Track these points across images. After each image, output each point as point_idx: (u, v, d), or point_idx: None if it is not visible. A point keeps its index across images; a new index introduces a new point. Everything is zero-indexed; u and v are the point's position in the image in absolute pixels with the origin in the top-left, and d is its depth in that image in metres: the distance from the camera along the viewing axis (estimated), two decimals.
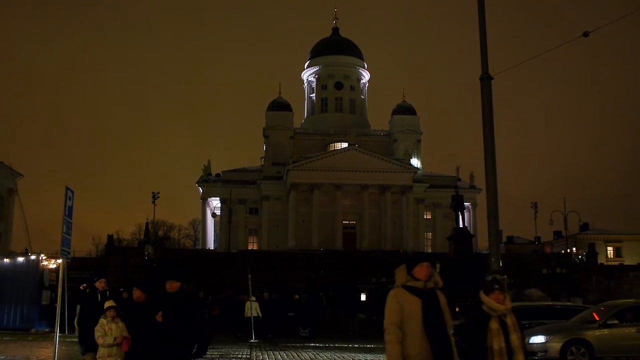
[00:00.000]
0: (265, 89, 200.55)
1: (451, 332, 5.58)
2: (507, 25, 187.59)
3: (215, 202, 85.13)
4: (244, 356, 16.90)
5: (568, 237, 67.80)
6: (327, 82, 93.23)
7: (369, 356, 17.36)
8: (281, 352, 18.09)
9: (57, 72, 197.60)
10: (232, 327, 25.09)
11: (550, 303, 23.93)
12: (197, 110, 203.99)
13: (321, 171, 77.82)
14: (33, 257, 25.35)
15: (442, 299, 5.63)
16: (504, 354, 5.70)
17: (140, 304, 8.75)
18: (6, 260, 25.82)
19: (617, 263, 70.03)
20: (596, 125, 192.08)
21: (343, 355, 17.50)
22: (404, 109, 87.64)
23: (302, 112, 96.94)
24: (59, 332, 11.21)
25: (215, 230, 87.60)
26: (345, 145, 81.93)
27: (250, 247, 78.30)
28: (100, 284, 10.72)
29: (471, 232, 51.19)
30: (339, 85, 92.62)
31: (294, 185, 78.24)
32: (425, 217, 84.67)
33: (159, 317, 7.50)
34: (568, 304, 24.81)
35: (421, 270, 5.60)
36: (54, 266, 24.59)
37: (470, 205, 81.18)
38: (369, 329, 28.29)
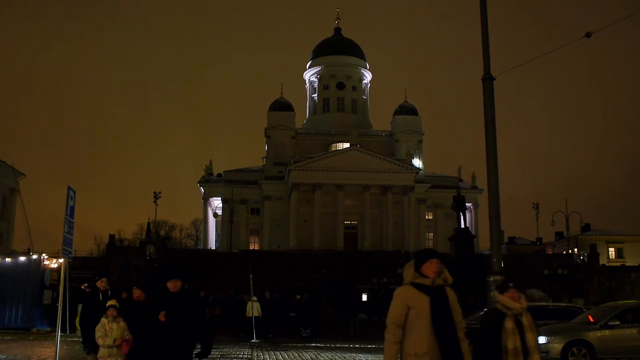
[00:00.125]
0: (267, 89, 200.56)
1: (463, 329, 5.37)
2: (509, 26, 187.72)
3: (216, 202, 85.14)
4: (245, 356, 16.89)
5: (570, 238, 67.78)
6: (329, 82, 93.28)
7: (369, 356, 17.35)
8: (282, 352, 18.07)
9: (57, 72, 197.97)
10: (233, 327, 25.06)
11: (552, 304, 23.91)
12: (198, 111, 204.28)
13: (323, 171, 77.80)
14: (35, 256, 25.32)
15: (452, 297, 5.42)
16: (519, 353, 5.57)
17: (140, 303, 8.73)
18: (8, 259, 25.78)
19: (618, 264, 70.01)
20: (598, 125, 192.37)
21: (344, 355, 17.49)
22: (405, 109, 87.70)
23: (304, 112, 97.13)
24: (60, 332, 11.19)
25: (216, 230, 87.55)
26: (347, 145, 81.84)
27: (251, 247, 78.37)
28: (101, 284, 10.75)
29: (473, 233, 51.23)
30: (340, 86, 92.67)
31: (296, 185, 78.24)
32: (426, 217, 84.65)
33: (162, 317, 7.49)
34: (569, 304, 24.79)
35: (430, 267, 5.38)
36: (56, 266, 24.58)
37: (472, 205, 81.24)
38: (369, 329, 28.25)
